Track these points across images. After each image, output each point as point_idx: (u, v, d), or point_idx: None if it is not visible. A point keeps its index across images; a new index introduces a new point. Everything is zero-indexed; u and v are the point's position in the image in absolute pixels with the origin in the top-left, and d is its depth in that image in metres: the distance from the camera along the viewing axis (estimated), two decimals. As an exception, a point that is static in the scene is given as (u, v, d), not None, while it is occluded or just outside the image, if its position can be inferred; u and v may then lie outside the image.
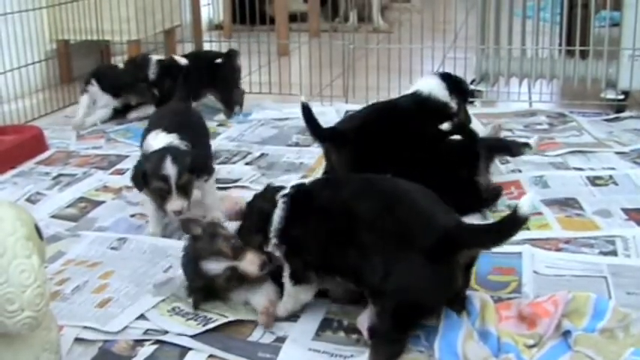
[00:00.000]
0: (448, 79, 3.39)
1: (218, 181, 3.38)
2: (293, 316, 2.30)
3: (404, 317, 2.06)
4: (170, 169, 2.72)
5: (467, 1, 5.36)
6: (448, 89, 3.33)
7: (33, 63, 4.60)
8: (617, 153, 3.64)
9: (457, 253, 2.04)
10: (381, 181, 2.28)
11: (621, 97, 4.35)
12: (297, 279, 2.24)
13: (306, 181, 2.39)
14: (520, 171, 3.42)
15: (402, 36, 4.96)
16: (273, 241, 2.24)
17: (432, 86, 3.33)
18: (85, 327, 2.26)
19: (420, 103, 3.28)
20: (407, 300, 2.02)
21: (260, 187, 2.46)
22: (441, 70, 3.30)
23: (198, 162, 2.85)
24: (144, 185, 2.80)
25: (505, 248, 2.28)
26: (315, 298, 2.31)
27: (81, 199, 3.29)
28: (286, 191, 2.28)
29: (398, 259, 2.02)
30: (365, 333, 2.15)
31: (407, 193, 2.18)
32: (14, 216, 1.84)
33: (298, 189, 2.29)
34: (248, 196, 2.51)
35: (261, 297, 2.30)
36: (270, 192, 2.32)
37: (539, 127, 4.11)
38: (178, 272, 2.46)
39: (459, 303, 2.19)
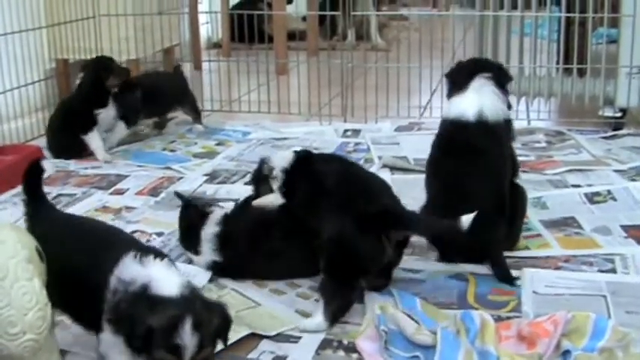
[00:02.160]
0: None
1: (216, 200, 3.40)
2: (293, 337, 2.31)
3: (338, 269, 2.40)
4: (189, 338, 1.83)
5: (465, 19, 5.37)
6: None
7: (32, 82, 4.60)
8: (616, 171, 3.64)
9: (386, 229, 2.40)
10: (358, 168, 2.81)
11: (619, 114, 4.37)
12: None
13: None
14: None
15: (400, 54, 4.97)
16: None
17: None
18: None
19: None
20: (336, 252, 2.40)
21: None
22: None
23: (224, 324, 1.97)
24: (142, 348, 1.85)
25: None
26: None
27: (81, 219, 3.28)
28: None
29: (337, 221, 2.42)
30: (364, 355, 2.17)
31: (368, 178, 2.67)
32: (15, 239, 1.84)
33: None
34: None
35: None
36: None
37: (537, 145, 4.13)
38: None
39: (385, 276, 2.56)
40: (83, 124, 4.15)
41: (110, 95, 4.21)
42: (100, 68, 4.20)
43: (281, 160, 2.72)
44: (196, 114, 4.64)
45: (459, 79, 2.88)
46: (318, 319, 2.35)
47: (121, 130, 4.33)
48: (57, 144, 4.21)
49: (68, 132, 4.17)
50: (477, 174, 2.69)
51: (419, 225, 2.52)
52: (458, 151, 2.76)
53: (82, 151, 4.18)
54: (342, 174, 2.61)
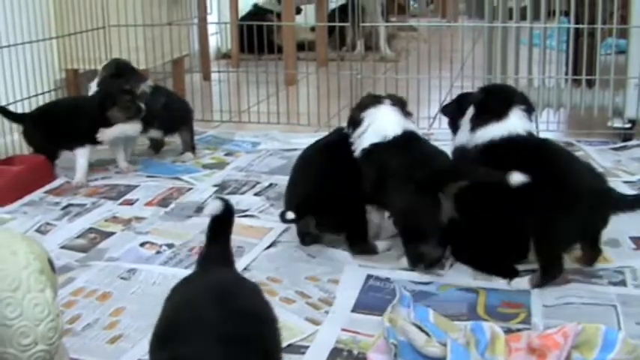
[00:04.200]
0: None
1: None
2: (303, 347, 2.31)
3: (409, 233, 2.82)
4: None
5: (474, 30, 5.37)
6: None
7: (43, 93, 4.60)
8: (625, 182, 3.64)
9: (443, 186, 2.75)
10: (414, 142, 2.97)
11: (628, 125, 4.35)
12: None
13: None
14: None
15: (409, 65, 4.97)
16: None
17: None
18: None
19: None
20: (404, 221, 2.82)
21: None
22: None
23: None
24: None
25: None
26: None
27: (90, 229, 3.29)
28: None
29: (400, 195, 2.77)
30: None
31: (423, 149, 2.95)
32: (28, 249, 1.85)
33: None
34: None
35: None
36: None
37: (546, 156, 4.11)
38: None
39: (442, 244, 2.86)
40: (79, 135, 3.98)
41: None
42: (107, 97, 3.99)
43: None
44: (192, 142, 4.43)
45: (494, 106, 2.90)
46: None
47: (135, 130, 4.10)
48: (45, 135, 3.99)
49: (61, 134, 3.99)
50: None
51: (469, 173, 2.78)
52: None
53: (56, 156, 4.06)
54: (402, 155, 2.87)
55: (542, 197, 2.60)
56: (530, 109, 2.91)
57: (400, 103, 3.03)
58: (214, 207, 2.07)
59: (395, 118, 2.95)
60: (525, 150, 2.78)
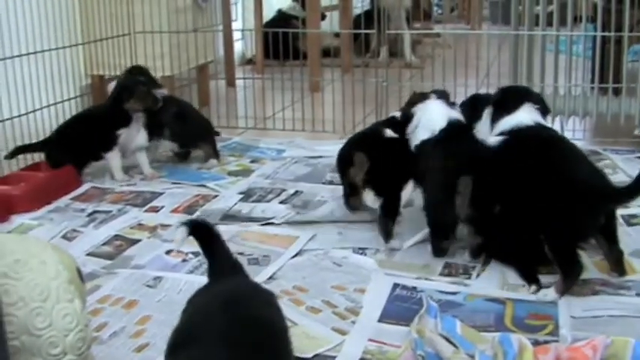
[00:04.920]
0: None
1: (251, 219, 3.42)
2: (330, 357, 2.31)
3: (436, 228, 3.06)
4: None
5: (499, 37, 5.35)
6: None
7: (69, 99, 4.63)
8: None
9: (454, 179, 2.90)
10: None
11: (655, 134, 4.33)
12: None
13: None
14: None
15: (434, 71, 4.95)
16: None
17: None
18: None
19: None
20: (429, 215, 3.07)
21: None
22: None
23: None
24: None
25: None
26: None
27: (116, 236, 3.30)
28: None
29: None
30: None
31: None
32: (57, 259, 1.86)
33: None
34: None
35: None
36: None
37: (572, 165, 4.07)
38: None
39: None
40: (103, 141, 4.04)
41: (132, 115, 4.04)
42: (123, 89, 4.04)
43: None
44: (215, 152, 4.41)
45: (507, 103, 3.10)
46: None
47: (142, 139, 4.13)
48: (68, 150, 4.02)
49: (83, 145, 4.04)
50: None
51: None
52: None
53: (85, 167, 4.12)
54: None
55: (543, 188, 2.72)
56: (543, 108, 3.12)
57: (444, 96, 3.25)
58: (180, 237, 2.09)
59: (442, 110, 3.14)
60: (529, 140, 2.95)
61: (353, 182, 3.28)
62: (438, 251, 3.01)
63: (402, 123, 3.25)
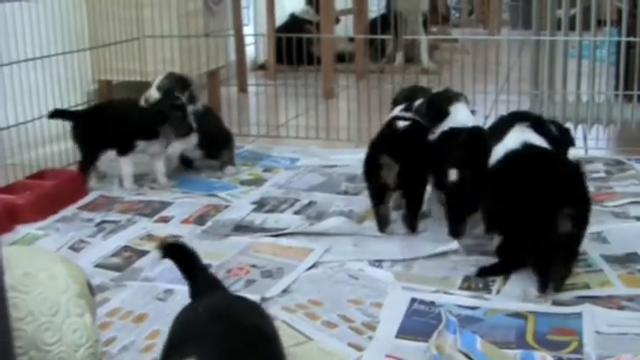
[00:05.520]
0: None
1: (265, 230, 3.34)
2: (355, 363, 2.25)
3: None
4: None
5: (519, 41, 5.27)
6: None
7: (76, 105, 4.56)
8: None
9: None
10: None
11: (681, 143, 4.27)
12: None
13: None
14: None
15: (452, 77, 4.88)
16: None
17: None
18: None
19: None
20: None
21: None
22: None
23: None
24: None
25: (564, 309, 2.50)
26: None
27: (125, 247, 3.22)
28: None
29: None
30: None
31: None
32: (67, 273, 1.90)
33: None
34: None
35: None
36: None
37: (595, 175, 3.97)
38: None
39: None
40: (140, 131, 3.96)
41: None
42: (158, 114, 3.93)
43: None
44: (232, 161, 4.35)
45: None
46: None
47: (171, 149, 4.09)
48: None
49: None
50: None
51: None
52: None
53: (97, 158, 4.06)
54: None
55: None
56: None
57: (467, 101, 3.46)
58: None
59: (469, 117, 3.35)
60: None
61: (384, 184, 3.27)
62: (455, 232, 3.16)
63: (431, 117, 3.36)
